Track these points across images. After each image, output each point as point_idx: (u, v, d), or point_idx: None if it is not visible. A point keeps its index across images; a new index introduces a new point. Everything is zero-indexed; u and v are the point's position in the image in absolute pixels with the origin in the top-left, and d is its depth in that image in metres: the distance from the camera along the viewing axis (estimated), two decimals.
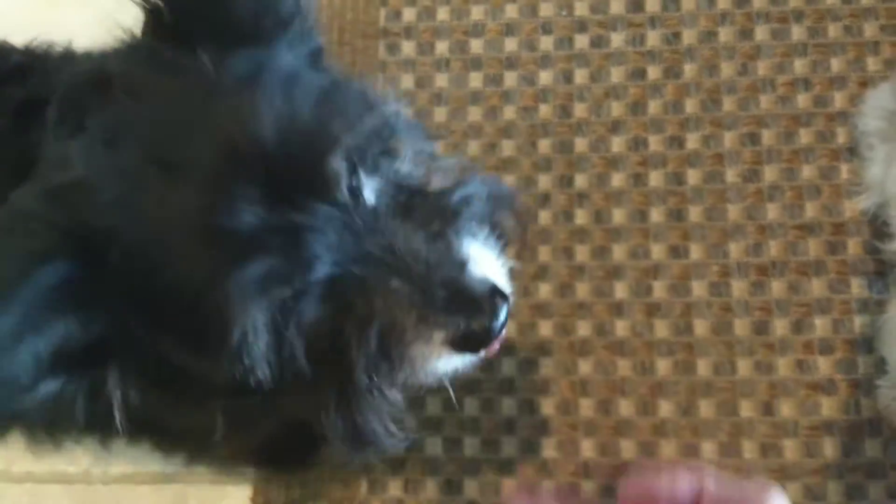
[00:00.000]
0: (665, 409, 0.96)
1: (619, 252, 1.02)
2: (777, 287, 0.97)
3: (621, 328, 0.99)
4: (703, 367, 0.96)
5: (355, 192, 0.53)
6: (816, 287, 0.97)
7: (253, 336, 0.49)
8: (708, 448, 0.93)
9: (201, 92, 0.51)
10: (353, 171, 0.52)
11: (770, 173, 1.01)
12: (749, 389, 0.95)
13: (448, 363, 0.57)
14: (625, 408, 0.96)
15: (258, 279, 0.48)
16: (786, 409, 0.94)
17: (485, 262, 0.57)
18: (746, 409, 0.94)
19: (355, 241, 0.51)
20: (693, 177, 1.02)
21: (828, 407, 0.94)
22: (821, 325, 0.96)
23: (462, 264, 0.55)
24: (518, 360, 1.00)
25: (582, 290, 1.01)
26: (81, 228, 0.50)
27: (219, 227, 0.48)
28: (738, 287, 0.98)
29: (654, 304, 0.99)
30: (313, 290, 0.51)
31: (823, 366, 0.95)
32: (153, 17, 0.54)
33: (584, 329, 1.00)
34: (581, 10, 1.10)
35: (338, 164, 0.50)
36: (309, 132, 0.50)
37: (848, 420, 0.94)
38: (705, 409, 0.95)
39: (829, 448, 0.93)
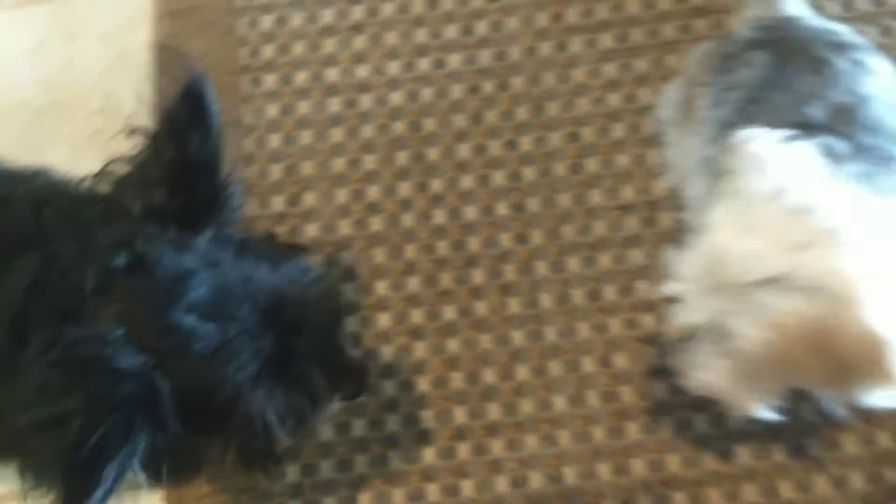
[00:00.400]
0: (522, 373, 1.11)
1: (473, 244, 1.17)
2: (605, 259, 1.14)
3: (481, 308, 1.14)
4: (550, 334, 1.12)
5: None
6: (637, 256, 1.14)
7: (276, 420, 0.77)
8: (559, 401, 1.09)
9: (212, 265, 0.76)
10: None
11: (592, 165, 1.18)
12: (589, 348, 1.11)
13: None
14: (489, 376, 1.11)
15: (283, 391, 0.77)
16: (621, 361, 1.11)
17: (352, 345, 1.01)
18: (588, 365, 1.11)
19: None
20: (529, 174, 1.19)
21: (655, 356, 1.12)
22: (644, 288, 1.14)
23: (347, 350, 0.90)
24: (395, 346, 1.13)
25: (445, 279, 1.16)
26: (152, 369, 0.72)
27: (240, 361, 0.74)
28: (574, 263, 1.15)
29: (506, 285, 1.15)
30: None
31: (648, 322, 1.12)
32: (147, 206, 0.78)
33: (449, 313, 1.14)
34: (420, 37, 1.25)
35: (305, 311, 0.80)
36: (284, 291, 0.78)
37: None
38: (555, 368, 1.11)
39: (660, 390, 1.11)
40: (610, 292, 1.13)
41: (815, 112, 0.83)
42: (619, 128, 1.19)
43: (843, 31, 0.97)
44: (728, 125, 0.93)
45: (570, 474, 1.07)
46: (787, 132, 0.76)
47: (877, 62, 0.90)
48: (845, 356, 0.71)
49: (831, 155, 0.76)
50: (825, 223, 0.70)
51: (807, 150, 0.75)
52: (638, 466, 1.06)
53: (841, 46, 0.90)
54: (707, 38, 1.19)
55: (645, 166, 1.17)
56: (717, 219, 0.74)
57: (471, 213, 1.18)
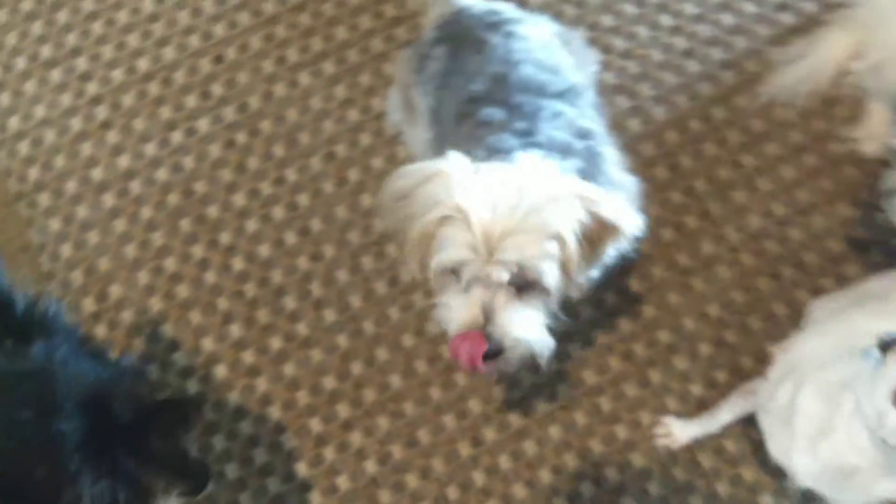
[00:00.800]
0: (357, 368, 1.26)
1: (276, 276, 1.30)
2: (392, 248, 1.31)
3: (302, 329, 1.27)
4: (368, 327, 1.27)
5: None
6: None
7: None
8: (395, 379, 1.25)
9: (41, 368, 0.89)
10: None
11: (354, 174, 1.34)
12: (404, 326, 1.27)
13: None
14: (329, 382, 1.25)
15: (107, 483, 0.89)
16: (433, 327, 1.27)
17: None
18: (408, 340, 1.27)
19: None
20: (303, 200, 1.33)
21: None
22: None
23: (187, 450, 1.07)
24: (239, 390, 1.24)
25: (262, 315, 1.28)
26: None
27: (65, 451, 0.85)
28: (367, 261, 1.30)
29: (318, 301, 1.28)
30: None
31: None
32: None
33: (276, 343, 1.27)
34: (166, 114, 1.36)
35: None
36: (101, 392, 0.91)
37: None
38: (382, 354, 1.26)
39: None
40: (420, 299, 1.29)
41: (478, 86, 1.01)
42: (365, 137, 1.36)
43: (502, 8, 1.15)
44: (434, 111, 1.11)
45: (423, 435, 1.22)
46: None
47: (526, 29, 1.09)
48: (597, 237, 0.91)
49: (491, 125, 0.96)
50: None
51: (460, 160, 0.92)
52: (474, 406, 1.23)
53: (496, 24, 1.09)
54: (409, 42, 1.37)
55: (397, 162, 1.34)
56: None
57: (264, 251, 1.31)
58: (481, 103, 0.95)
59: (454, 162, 0.90)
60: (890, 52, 1.23)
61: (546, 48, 1.08)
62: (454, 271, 0.90)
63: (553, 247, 0.87)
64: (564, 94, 1.03)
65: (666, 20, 1.41)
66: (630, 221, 0.91)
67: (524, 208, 0.86)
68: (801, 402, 1.00)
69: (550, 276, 0.89)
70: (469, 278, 0.89)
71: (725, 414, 1.16)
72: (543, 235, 0.87)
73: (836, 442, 0.93)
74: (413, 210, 0.91)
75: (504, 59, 1.03)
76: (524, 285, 0.90)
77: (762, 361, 1.28)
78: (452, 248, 0.87)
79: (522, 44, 1.05)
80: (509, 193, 0.87)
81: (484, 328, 0.89)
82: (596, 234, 0.90)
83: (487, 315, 0.89)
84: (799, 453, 0.98)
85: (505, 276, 0.87)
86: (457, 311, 0.91)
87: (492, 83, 1.00)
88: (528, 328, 0.92)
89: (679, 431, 1.20)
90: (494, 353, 0.91)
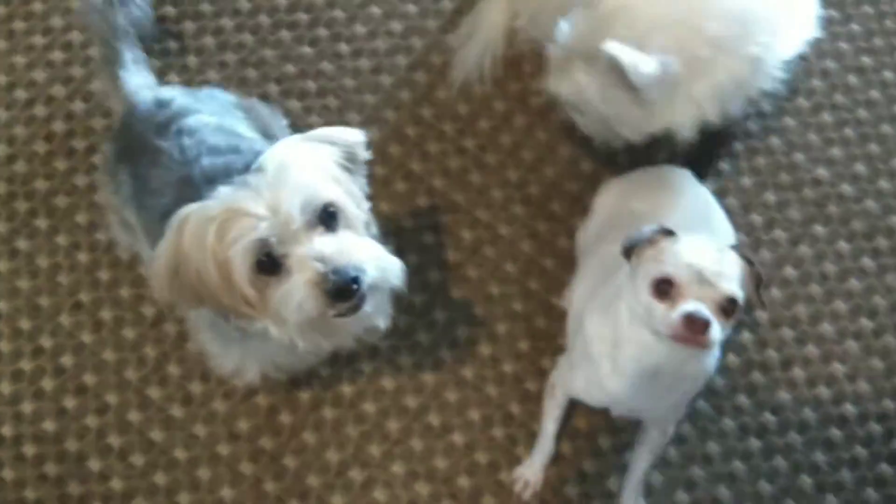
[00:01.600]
0: (184, 499, 1.20)
1: (72, 444, 1.23)
2: (197, 388, 1.27)
3: (117, 483, 1.21)
4: (180, 454, 1.23)
5: None
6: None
7: None
8: (227, 492, 1.21)
9: None
10: None
11: (107, 313, 1.28)
12: (215, 437, 1.23)
13: None
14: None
15: None
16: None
17: None
18: (224, 448, 1.23)
19: None
20: (67, 360, 1.27)
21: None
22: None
23: None
24: None
25: (73, 488, 1.21)
26: None
27: None
28: (154, 392, 1.25)
29: (121, 450, 1.23)
30: None
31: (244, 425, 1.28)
32: None
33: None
34: None
35: None
36: None
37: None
38: (204, 473, 1.22)
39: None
40: (220, 404, 1.27)
41: (167, 199, 0.98)
42: (103, 273, 1.31)
43: (171, 95, 1.11)
44: (147, 232, 1.06)
45: None
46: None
47: (195, 120, 1.06)
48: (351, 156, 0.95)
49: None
50: None
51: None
52: (313, 481, 1.21)
53: (165, 124, 1.05)
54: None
55: (145, 283, 1.29)
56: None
57: (50, 426, 1.23)
58: (174, 213, 0.89)
59: (189, 207, 0.88)
60: (534, 5, 1.31)
61: (219, 131, 1.07)
62: (263, 266, 0.85)
63: (323, 175, 0.89)
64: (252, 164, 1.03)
65: (344, 48, 1.44)
66: (357, 134, 0.95)
67: (279, 168, 0.87)
68: (588, 330, 1.06)
69: (337, 194, 0.89)
70: (281, 249, 0.85)
71: (549, 423, 1.20)
72: (310, 173, 0.88)
73: (630, 350, 0.98)
74: (195, 261, 0.87)
75: (182, 160, 1.01)
76: (328, 219, 0.88)
77: (552, 317, 1.34)
78: (247, 235, 0.84)
79: (194, 138, 1.04)
80: (261, 169, 0.88)
81: (329, 271, 0.85)
82: (348, 155, 0.94)
83: (323, 260, 0.85)
84: (608, 378, 1.03)
85: (303, 217, 0.85)
86: (296, 286, 0.85)
87: (178, 189, 0.99)
88: (364, 246, 0.90)
89: (531, 473, 1.21)
90: (352, 281, 0.85)
